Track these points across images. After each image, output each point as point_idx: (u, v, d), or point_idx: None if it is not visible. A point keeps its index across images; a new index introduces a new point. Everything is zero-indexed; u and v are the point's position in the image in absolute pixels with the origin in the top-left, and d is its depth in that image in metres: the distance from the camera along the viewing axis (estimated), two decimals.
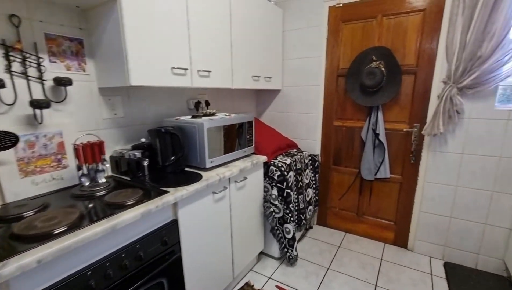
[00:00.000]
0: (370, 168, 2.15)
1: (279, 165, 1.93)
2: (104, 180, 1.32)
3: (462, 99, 1.72)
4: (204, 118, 1.62)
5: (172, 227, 1.23)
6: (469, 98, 1.75)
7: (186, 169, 1.57)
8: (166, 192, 1.21)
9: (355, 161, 2.30)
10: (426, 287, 1.79)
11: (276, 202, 1.93)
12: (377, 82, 1.93)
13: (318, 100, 2.32)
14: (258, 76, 2.10)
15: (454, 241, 1.96)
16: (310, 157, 2.31)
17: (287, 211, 1.96)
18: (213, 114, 1.75)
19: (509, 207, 1.74)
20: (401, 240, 2.21)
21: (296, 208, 2.13)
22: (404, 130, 2.02)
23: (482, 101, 1.72)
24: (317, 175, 2.41)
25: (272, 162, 1.95)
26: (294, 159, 2.07)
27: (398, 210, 2.18)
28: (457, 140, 1.83)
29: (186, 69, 1.47)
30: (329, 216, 2.55)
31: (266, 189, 1.99)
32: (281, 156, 2.10)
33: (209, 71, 1.63)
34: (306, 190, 2.27)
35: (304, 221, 2.25)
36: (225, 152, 1.64)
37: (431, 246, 2.06)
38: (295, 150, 2.33)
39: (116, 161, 1.48)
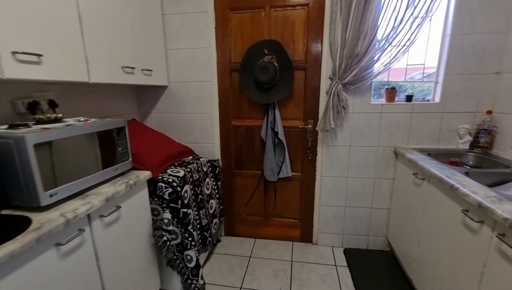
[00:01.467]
0: (273, 168, 2.05)
1: (170, 179, 1.53)
2: None
3: (347, 95, 1.81)
4: (34, 127, 1.04)
5: None
6: (351, 93, 1.85)
7: (4, 213, 0.96)
8: None
9: (258, 162, 2.15)
10: (333, 279, 1.81)
11: (171, 227, 1.53)
12: (271, 77, 1.81)
13: (212, 97, 2.04)
14: (132, 68, 1.61)
15: (349, 228, 2.10)
16: (209, 164, 2.00)
17: (186, 235, 1.59)
18: (57, 120, 1.18)
19: (387, 190, 1.97)
20: (306, 236, 2.23)
21: (198, 226, 1.79)
22: (300, 127, 2.00)
23: (361, 96, 1.85)
24: (219, 183, 2.13)
25: (160, 177, 1.53)
26: (189, 169, 1.71)
27: (302, 207, 2.17)
28: (344, 134, 1.93)
29: None
30: (236, 224, 2.33)
31: (156, 213, 1.55)
32: (172, 167, 1.70)
33: (40, 55, 1.05)
34: (208, 202, 1.96)
35: (209, 238, 1.93)
36: (80, 176, 1.11)
37: (332, 237, 2.14)
38: (190, 157, 1.96)
39: None
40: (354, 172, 1.98)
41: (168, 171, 1.63)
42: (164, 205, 1.52)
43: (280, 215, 2.24)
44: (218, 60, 1.99)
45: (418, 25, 1.65)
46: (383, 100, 1.92)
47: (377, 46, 1.69)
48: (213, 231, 2.02)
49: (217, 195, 2.10)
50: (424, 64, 1.85)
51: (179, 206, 1.55)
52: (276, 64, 1.82)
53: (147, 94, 2.13)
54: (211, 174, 2.03)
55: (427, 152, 1.69)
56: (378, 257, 1.99)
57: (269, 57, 1.82)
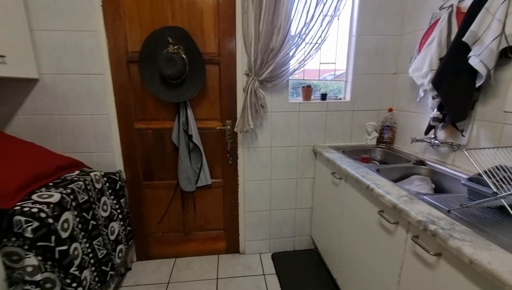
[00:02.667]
0: (189, 177, 1.78)
1: (34, 209, 1.09)
2: None
3: (264, 93, 1.69)
4: None
5: None
6: (269, 91, 1.75)
7: None
8: None
9: (171, 171, 1.84)
10: None
11: (39, 276, 1.10)
12: (179, 71, 1.53)
13: (106, 95, 1.62)
14: None
15: (276, 232, 2.01)
16: (105, 178, 1.59)
17: (69, 281, 1.19)
18: None
19: (309, 189, 1.95)
20: (233, 246, 2.04)
21: (93, 261, 1.38)
22: (218, 128, 1.79)
23: (279, 94, 1.77)
24: (122, 200, 1.73)
25: (18, 208, 1.07)
26: (70, 190, 1.29)
27: (225, 216, 1.97)
28: (265, 134, 1.81)
29: None
30: (151, 245, 1.97)
31: (15, 259, 1.09)
32: (43, 189, 1.24)
33: None
34: (108, 227, 1.55)
35: (111, 272, 1.54)
36: None
37: (259, 243, 2.02)
38: (76, 172, 1.51)
39: None
40: (277, 173, 1.89)
41: (34, 196, 1.17)
42: (27, 246, 1.08)
43: (202, 228, 1.99)
44: (110, 48, 1.58)
45: (328, 22, 1.64)
46: (300, 99, 1.88)
47: (291, 42, 1.62)
48: (117, 261, 1.62)
49: (120, 216, 1.70)
50: (335, 63, 1.89)
51: (53, 244, 1.13)
52: (184, 56, 1.55)
53: (6, 90, 1.55)
54: (110, 191, 1.62)
55: (342, 150, 1.72)
56: (304, 257, 1.97)
57: (175, 47, 1.54)
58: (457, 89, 1.17)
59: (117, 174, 1.68)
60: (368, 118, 1.86)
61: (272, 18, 1.56)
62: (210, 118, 1.78)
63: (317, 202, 1.89)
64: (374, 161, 1.71)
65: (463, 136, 1.22)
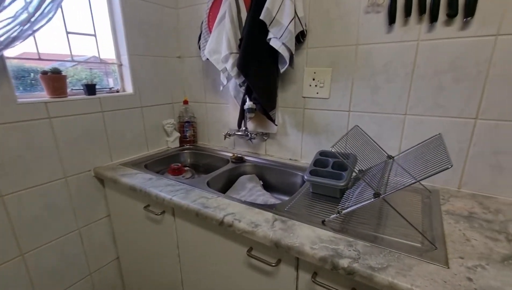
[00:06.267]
0: None
1: None
2: None
3: None
4: None
5: None
6: None
7: None
8: None
9: None
10: None
11: None
12: None
13: None
14: None
15: None
16: None
17: None
18: None
19: (105, 234, 1.25)
20: None
21: None
22: None
23: None
24: None
25: None
26: None
27: None
28: None
29: None
30: None
31: None
32: None
33: None
34: None
35: None
36: None
37: None
38: None
39: None
40: (34, 238, 1.01)
41: None
42: None
43: None
44: None
45: None
46: (44, 95, 1.06)
47: None
48: None
49: None
50: (95, 35, 1.22)
51: None
52: None
53: None
54: None
55: (143, 164, 1.21)
56: None
57: None
58: (265, 75, 1.09)
59: None
60: (163, 115, 1.44)
61: None
62: None
63: (124, 249, 1.26)
64: (186, 168, 1.37)
65: (276, 125, 1.20)
